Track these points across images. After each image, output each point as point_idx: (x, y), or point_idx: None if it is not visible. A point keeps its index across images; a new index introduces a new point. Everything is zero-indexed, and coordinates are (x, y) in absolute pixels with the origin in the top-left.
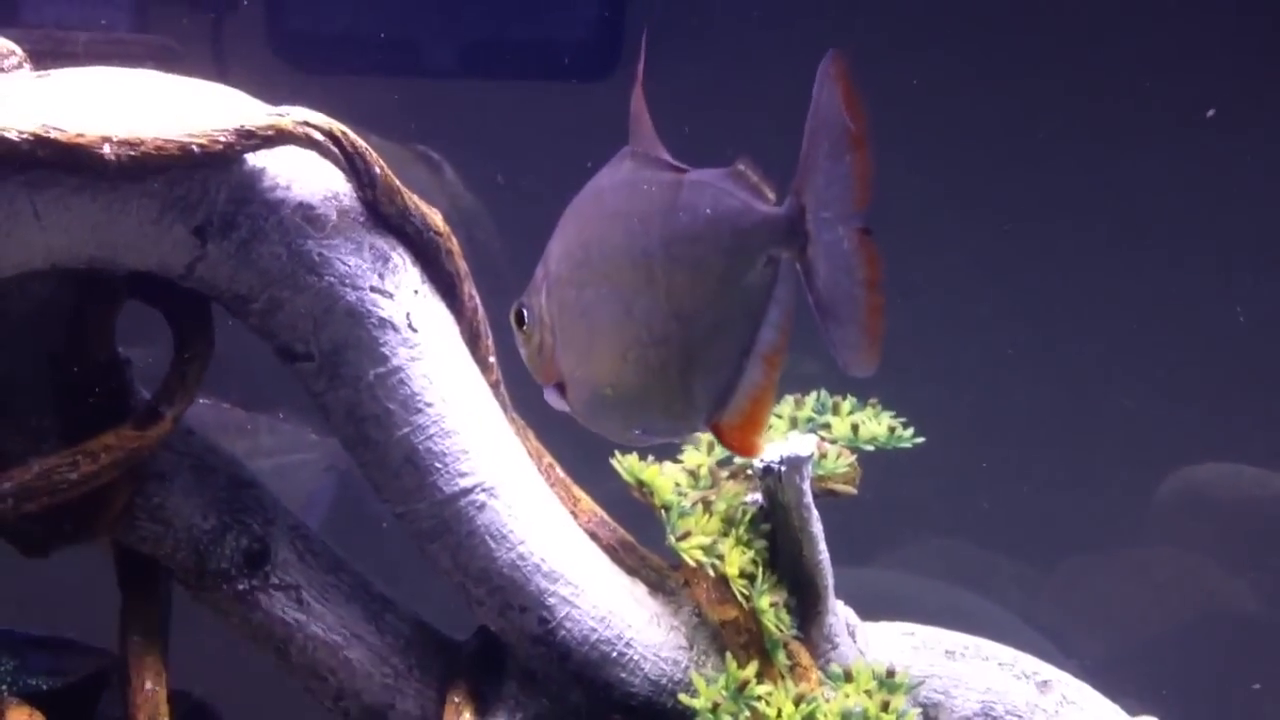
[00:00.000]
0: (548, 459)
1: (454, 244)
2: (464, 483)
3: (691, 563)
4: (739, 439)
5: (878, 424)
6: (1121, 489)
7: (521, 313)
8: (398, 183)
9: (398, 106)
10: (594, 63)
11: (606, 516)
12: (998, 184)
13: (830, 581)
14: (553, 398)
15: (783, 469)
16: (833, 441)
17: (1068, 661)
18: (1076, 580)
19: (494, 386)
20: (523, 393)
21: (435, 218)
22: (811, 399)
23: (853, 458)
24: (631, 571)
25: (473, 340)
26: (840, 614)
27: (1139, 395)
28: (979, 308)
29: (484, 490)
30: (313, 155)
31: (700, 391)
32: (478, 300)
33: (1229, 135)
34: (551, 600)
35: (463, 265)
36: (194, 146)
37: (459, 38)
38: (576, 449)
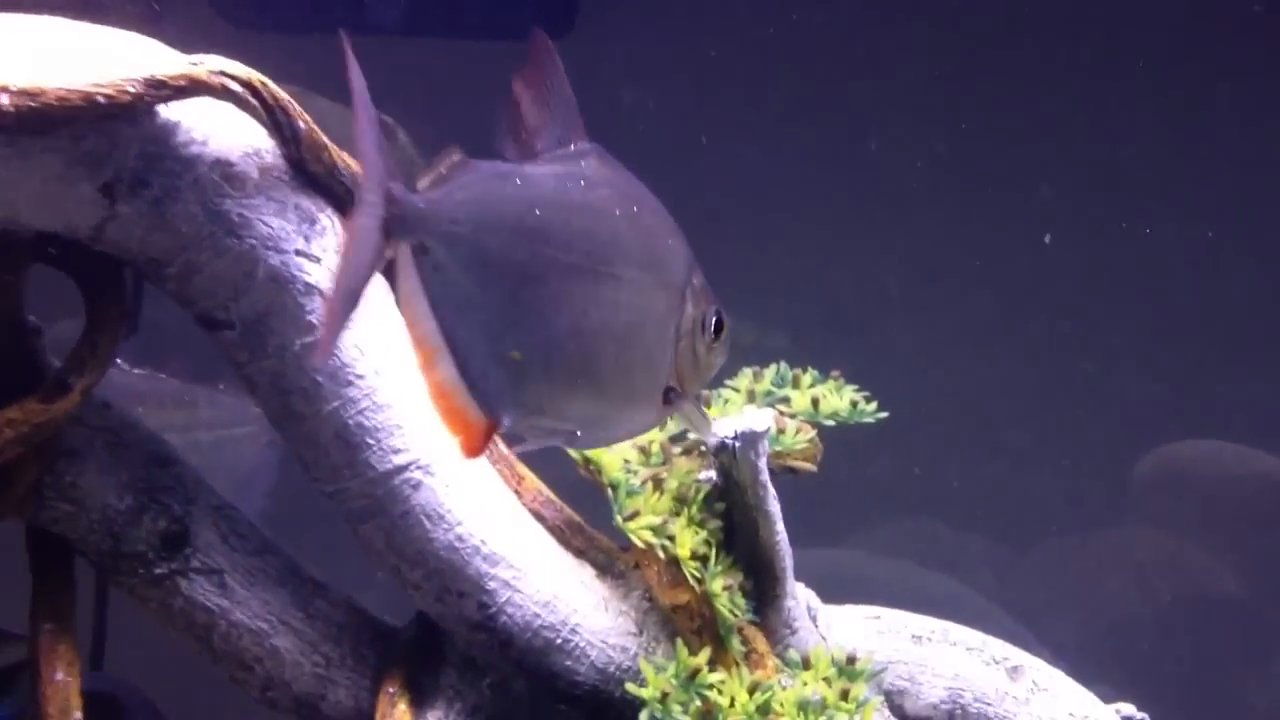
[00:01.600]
0: None
1: None
2: (398, 460)
3: (640, 544)
4: None
5: (839, 398)
6: (1099, 468)
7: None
8: (324, 138)
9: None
10: (550, 21)
11: (552, 495)
12: (968, 159)
13: (789, 563)
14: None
15: (737, 444)
16: (792, 416)
17: (1041, 647)
18: (1052, 562)
19: None
20: None
21: None
22: (771, 371)
23: (813, 433)
24: (579, 553)
25: None
26: (801, 597)
27: (1118, 371)
28: (950, 282)
29: (419, 468)
30: (231, 108)
31: None
32: None
33: (1204, 113)
34: (492, 584)
35: None
36: (99, 97)
37: None
38: None
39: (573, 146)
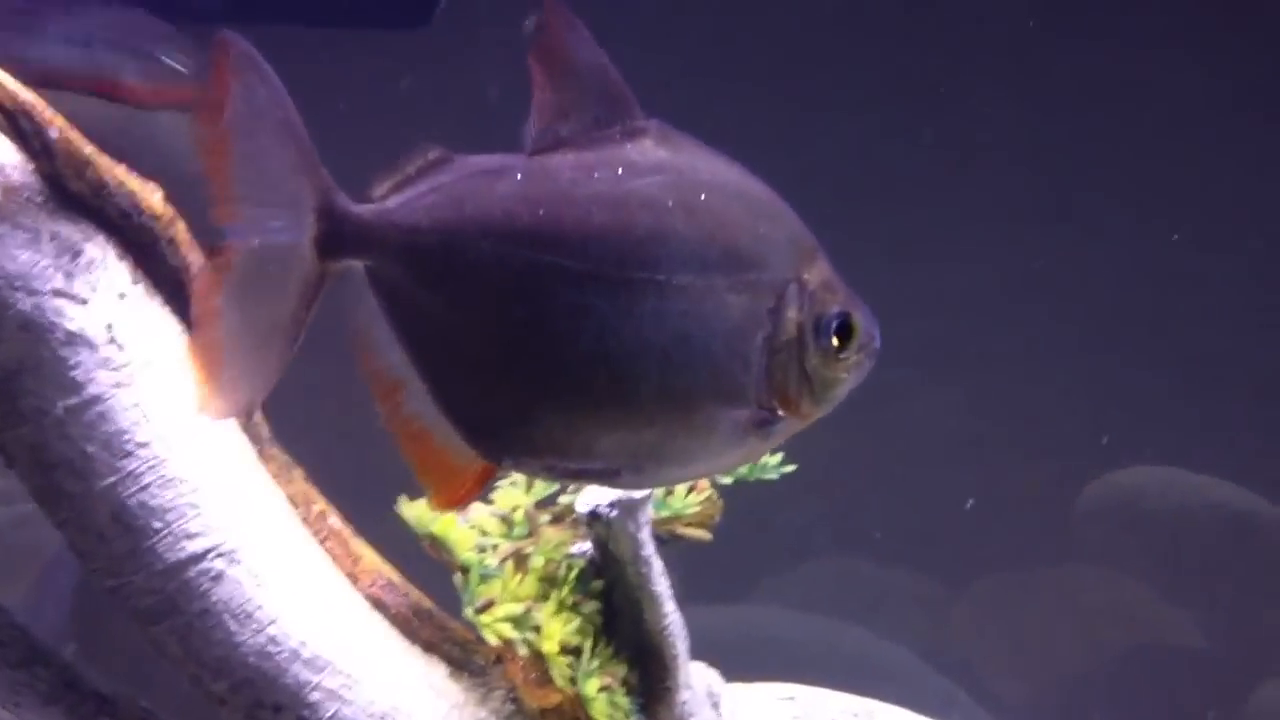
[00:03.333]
0: (319, 506)
1: (180, 229)
2: (193, 546)
3: (495, 640)
4: None
5: None
6: (1041, 496)
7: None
8: (90, 150)
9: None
10: (404, 9)
11: (397, 577)
12: (881, 190)
13: (683, 647)
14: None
15: (613, 514)
16: None
17: (979, 709)
18: (990, 605)
19: (248, 417)
20: (297, 415)
21: (150, 196)
22: None
23: (709, 492)
24: (429, 648)
25: None
26: (699, 683)
27: (1060, 390)
28: (879, 305)
29: (221, 555)
30: None
31: None
32: None
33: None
34: (315, 695)
35: (196, 258)
36: None
37: None
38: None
39: (618, 127)
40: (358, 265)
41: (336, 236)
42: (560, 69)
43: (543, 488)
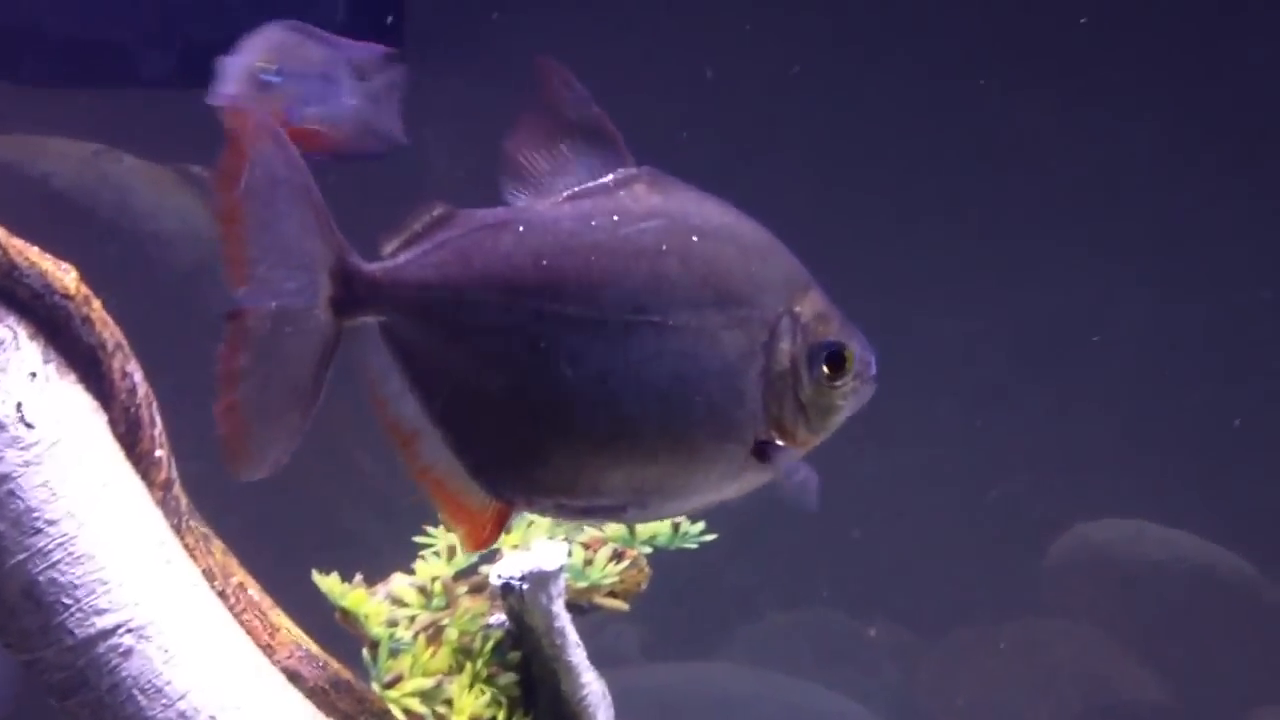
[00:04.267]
0: (238, 578)
1: (95, 308)
2: (103, 622)
3: (402, 717)
4: None
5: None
6: (1013, 551)
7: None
8: (1, 234)
9: (161, 123)
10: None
11: (315, 649)
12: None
13: (603, 718)
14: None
15: (524, 587)
16: (608, 540)
17: None
18: (957, 659)
19: (162, 489)
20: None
21: (62, 276)
22: None
23: (628, 561)
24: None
25: (130, 431)
26: None
27: (1032, 440)
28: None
29: (131, 631)
30: None
31: None
32: (137, 378)
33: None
34: None
35: (112, 335)
36: None
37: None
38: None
39: (612, 176)
40: (372, 321)
41: (351, 295)
42: (557, 124)
43: (463, 558)
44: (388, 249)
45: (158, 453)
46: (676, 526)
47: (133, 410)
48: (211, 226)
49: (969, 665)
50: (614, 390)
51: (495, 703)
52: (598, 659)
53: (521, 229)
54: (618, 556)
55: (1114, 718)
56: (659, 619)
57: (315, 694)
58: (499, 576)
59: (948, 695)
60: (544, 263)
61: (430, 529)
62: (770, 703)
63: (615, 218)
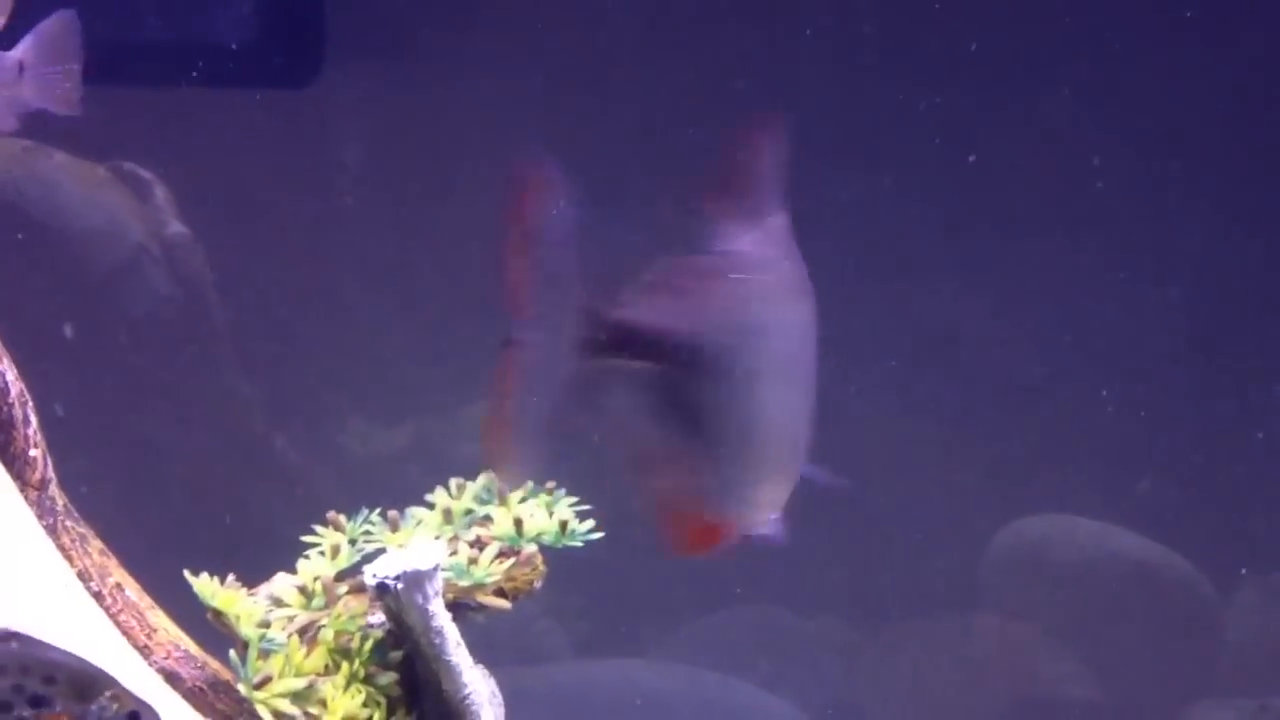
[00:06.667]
0: (115, 578)
1: None
2: None
3: (270, 718)
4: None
5: (549, 517)
6: (950, 546)
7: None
8: None
9: (100, 119)
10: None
11: (194, 648)
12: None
13: (489, 716)
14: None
15: (399, 585)
16: (495, 538)
17: None
18: (892, 655)
19: (38, 488)
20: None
21: None
22: (476, 485)
23: (513, 560)
24: None
25: (2, 430)
26: None
27: (974, 433)
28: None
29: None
30: None
31: None
32: (7, 378)
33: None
34: None
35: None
36: None
37: (134, 38)
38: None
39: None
40: (614, 362)
41: (597, 338)
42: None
43: (346, 557)
44: (626, 297)
45: (32, 452)
46: (564, 525)
47: (4, 410)
48: (141, 225)
49: (905, 660)
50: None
51: (373, 702)
52: (525, 657)
53: (730, 275)
54: (504, 555)
55: (1045, 712)
56: (592, 616)
57: (193, 694)
58: (374, 576)
59: (883, 690)
60: (752, 309)
61: (319, 528)
62: (696, 700)
63: (785, 263)
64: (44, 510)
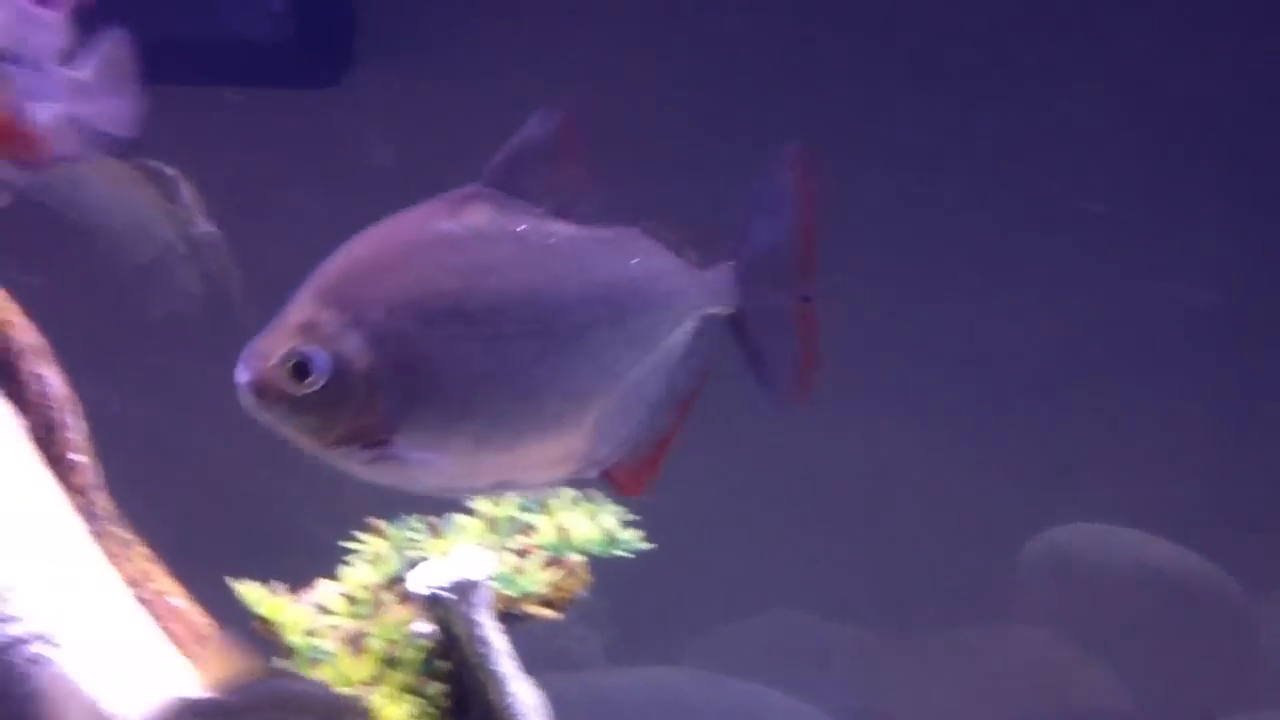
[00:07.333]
0: (157, 584)
1: (12, 313)
2: (12, 631)
3: None
4: (629, 481)
5: (593, 525)
6: (981, 554)
7: (304, 364)
8: None
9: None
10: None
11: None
12: None
13: None
14: (361, 457)
15: (448, 596)
16: (540, 547)
17: None
18: (924, 664)
19: (82, 493)
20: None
21: None
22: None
23: (561, 571)
24: None
25: (47, 434)
26: None
27: (1008, 442)
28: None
29: (42, 640)
30: None
31: (602, 442)
32: (52, 383)
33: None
34: None
35: (27, 339)
36: None
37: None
38: None
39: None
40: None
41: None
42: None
43: (393, 564)
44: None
45: (76, 456)
46: (609, 533)
47: (48, 414)
48: (168, 224)
49: (932, 668)
50: None
51: (422, 713)
52: (559, 663)
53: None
54: (550, 565)
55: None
56: (624, 622)
57: None
58: (426, 586)
59: (910, 699)
60: None
61: (361, 534)
62: (726, 707)
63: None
64: (88, 515)
